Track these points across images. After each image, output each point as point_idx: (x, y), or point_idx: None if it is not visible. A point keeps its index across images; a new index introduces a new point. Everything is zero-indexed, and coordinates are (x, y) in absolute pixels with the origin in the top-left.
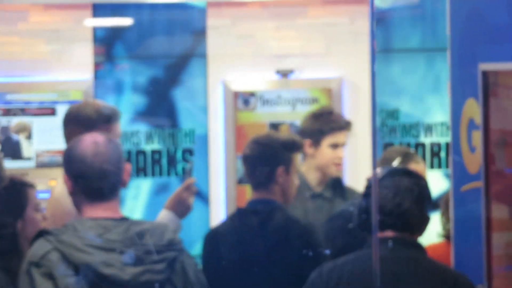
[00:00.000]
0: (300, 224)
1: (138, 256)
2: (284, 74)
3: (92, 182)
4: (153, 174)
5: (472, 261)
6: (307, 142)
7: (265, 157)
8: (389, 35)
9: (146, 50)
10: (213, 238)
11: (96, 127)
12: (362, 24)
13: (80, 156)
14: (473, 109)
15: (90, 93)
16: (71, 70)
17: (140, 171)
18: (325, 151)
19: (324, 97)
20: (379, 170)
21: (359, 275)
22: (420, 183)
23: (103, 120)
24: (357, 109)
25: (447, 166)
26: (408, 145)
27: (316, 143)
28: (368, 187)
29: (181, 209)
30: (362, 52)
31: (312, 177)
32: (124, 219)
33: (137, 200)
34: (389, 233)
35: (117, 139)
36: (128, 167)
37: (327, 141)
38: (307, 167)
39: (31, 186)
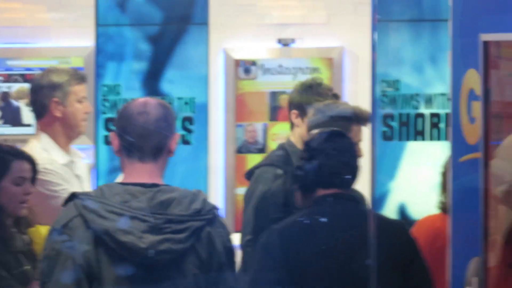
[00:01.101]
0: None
1: (158, 225)
2: (285, 43)
3: (135, 139)
4: None
5: (469, 232)
6: (294, 113)
7: None
8: (390, 5)
9: (147, 18)
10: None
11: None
12: None
13: (127, 113)
14: (473, 79)
15: (91, 60)
16: (73, 37)
17: None
18: None
19: (325, 66)
20: (315, 131)
21: (310, 232)
22: (351, 142)
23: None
24: (357, 79)
25: (446, 137)
26: (408, 116)
27: (303, 113)
28: (308, 150)
29: None
30: (363, 22)
31: (301, 147)
32: (155, 186)
33: None
34: (331, 191)
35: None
36: (177, 136)
37: (312, 112)
38: (296, 137)
39: (19, 156)
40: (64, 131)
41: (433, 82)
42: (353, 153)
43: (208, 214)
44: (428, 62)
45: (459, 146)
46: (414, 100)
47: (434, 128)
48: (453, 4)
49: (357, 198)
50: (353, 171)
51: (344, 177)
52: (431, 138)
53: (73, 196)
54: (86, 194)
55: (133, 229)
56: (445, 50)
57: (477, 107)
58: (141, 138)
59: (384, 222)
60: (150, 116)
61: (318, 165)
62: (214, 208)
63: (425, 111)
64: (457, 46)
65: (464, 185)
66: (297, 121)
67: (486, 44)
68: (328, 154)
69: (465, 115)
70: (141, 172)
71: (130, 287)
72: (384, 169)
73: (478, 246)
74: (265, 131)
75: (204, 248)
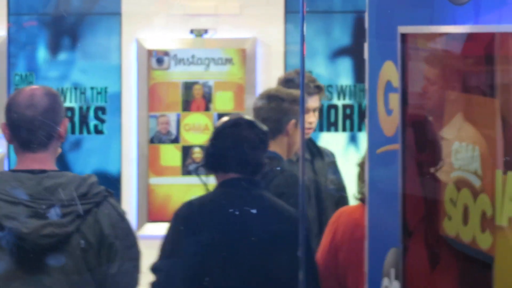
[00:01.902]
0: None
1: (42, 210)
2: (198, 33)
3: (23, 132)
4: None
5: (387, 223)
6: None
7: (278, 109)
8: None
9: (59, 7)
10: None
11: None
12: None
13: (15, 105)
14: (390, 71)
15: (4, 49)
16: None
17: None
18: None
19: (238, 57)
20: (225, 119)
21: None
22: (258, 132)
23: None
24: (270, 70)
25: (359, 129)
26: (321, 106)
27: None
28: (212, 133)
29: None
30: (275, 13)
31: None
32: (43, 172)
33: None
34: (232, 175)
35: None
36: (66, 121)
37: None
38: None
39: None
40: None
41: (345, 73)
42: (255, 141)
43: (94, 198)
44: (341, 53)
45: (376, 138)
46: (327, 91)
47: (347, 119)
48: None
49: (258, 184)
50: (255, 158)
51: (245, 163)
52: (344, 129)
53: None
54: None
55: (17, 214)
56: (357, 41)
57: (395, 99)
58: (30, 130)
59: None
60: (37, 108)
61: (218, 149)
62: (103, 191)
63: (338, 102)
64: (373, 38)
65: (381, 176)
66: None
67: (403, 36)
68: (228, 139)
69: (382, 107)
70: (33, 160)
71: (18, 272)
72: None
73: (395, 237)
74: (178, 121)
75: (91, 231)
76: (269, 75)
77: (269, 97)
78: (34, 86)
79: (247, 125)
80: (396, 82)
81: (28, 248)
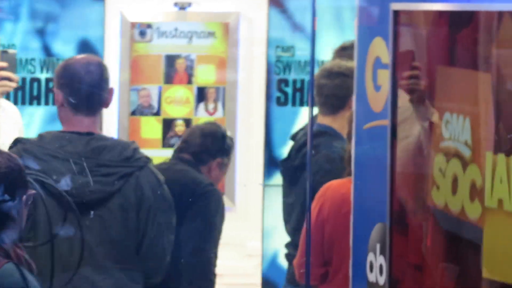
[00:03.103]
0: None
1: (89, 168)
2: (182, 6)
3: (79, 96)
4: (46, 103)
5: (373, 198)
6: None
7: (343, 86)
8: None
9: None
10: None
11: None
12: None
13: (72, 70)
14: (380, 48)
15: None
16: None
17: (34, 99)
18: None
19: (221, 31)
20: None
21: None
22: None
23: None
24: (252, 45)
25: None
26: (302, 81)
27: None
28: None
29: None
30: None
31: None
32: (90, 134)
33: (29, 128)
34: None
35: None
36: (112, 90)
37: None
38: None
39: None
40: None
41: (327, 48)
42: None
43: (137, 162)
44: (323, 28)
45: (364, 114)
46: (308, 66)
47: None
48: None
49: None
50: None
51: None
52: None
53: (16, 141)
54: (28, 139)
55: (66, 170)
56: (340, 17)
57: (383, 75)
58: (88, 96)
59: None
60: (94, 75)
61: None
62: (145, 157)
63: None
64: (363, 14)
65: (368, 151)
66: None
67: (396, 13)
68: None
69: (370, 83)
70: (81, 123)
71: (62, 225)
72: (278, 134)
73: (382, 212)
74: (160, 94)
75: (132, 192)
76: (251, 49)
77: (332, 74)
78: (86, 55)
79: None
80: (385, 58)
81: (74, 202)
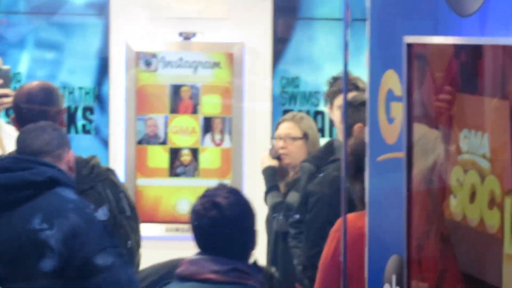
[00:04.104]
0: None
1: None
2: (187, 36)
3: (25, 121)
4: None
5: (388, 231)
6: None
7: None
8: (291, 2)
9: (48, 6)
10: None
11: None
12: None
13: (17, 98)
14: (392, 80)
15: None
16: None
17: None
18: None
19: (226, 61)
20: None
21: None
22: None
23: None
24: (257, 74)
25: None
26: (308, 113)
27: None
28: None
29: None
30: (263, 18)
31: None
32: None
33: None
34: None
35: None
36: (64, 110)
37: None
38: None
39: None
40: None
41: None
42: None
43: (98, 176)
44: (327, 60)
45: (377, 146)
46: (314, 97)
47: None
48: (371, 5)
49: None
50: None
51: None
52: (331, 135)
53: None
54: None
55: None
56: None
57: (396, 108)
58: (31, 119)
59: None
60: (35, 99)
61: None
62: (104, 170)
63: (324, 108)
64: (375, 47)
65: (382, 184)
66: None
67: (409, 46)
68: None
69: (383, 115)
70: None
71: None
72: None
73: (397, 244)
74: (166, 124)
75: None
76: (256, 79)
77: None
78: (33, 82)
79: None
80: (397, 90)
81: None
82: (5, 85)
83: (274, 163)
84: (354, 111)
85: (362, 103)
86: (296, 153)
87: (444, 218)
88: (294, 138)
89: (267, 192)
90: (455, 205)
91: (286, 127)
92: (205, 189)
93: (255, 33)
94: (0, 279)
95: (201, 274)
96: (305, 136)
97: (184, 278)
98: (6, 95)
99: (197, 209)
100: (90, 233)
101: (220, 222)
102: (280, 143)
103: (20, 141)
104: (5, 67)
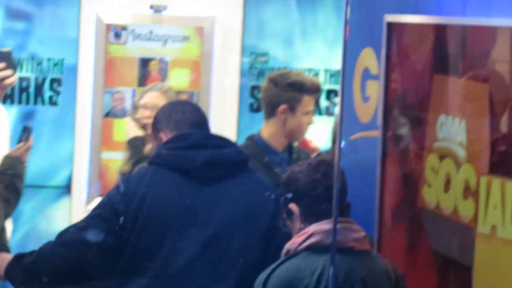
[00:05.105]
0: None
1: None
2: (158, 9)
3: None
4: (20, 102)
5: (360, 209)
6: (282, 107)
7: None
8: None
9: None
10: None
11: None
12: None
13: None
14: (369, 59)
15: None
16: None
17: (7, 98)
18: (300, 118)
19: (196, 35)
20: None
21: None
22: None
23: None
24: (227, 50)
25: (327, 113)
26: None
27: (292, 109)
28: None
29: None
30: None
31: (278, 142)
32: None
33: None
34: None
35: None
36: None
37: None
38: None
39: None
40: None
41: (302, 56)
42: None
43: None
44: (298, 36)
45: (351, 124)
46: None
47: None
48: None
49: None
50: None
51: None
52: None
53: None
54: None
55: None
56: (314, 25)
57: (372, 86)
58: None
59: None
60: None
61: None
62: None
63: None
64: (354, 24)
65: (354, 162)
66: (284, 116)
67: (390, 25)
68: None
69: (358, 94)
70: None
71: None
72: None
73: (369, 226)
74: (133, 97)
75: None
76: (225, 54)
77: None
78: None
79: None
80: (374, 69)
81: None
82: (9, 67)
83: (140, 133)
84: (280, 90)
85: (289, 84)
86: None
87: (418, 206)
88: None
89: (135, 164)
90: (429, 193)
91: (154, 97)
92: (305, 161)
93: (226, 8)
94: None
95: (343, 243)
96: None
97: (319, 249)
98: (7, 77)
99: (317, 177)
100: None
101: (345, 187)
102: (146, 113)
103: (176, 113)
104: (6, 49)
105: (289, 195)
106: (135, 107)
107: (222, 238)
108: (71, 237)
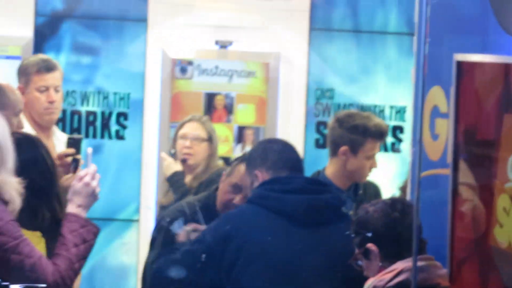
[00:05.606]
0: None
1: None
2: (223, 45)
3: None
4: (87, 135)
5: (430, 246)
6: (343, 148)
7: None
8: (329, 14)
9: (87, 11)
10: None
11: None
12: (298, 2)
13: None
14: (438, 97)
15: (29, 49)
16: (11, 26)
17: (74, 132)
18: (362, 161)
19: (261, 71)
20: None
21: None
22: None
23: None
24: (292, 85)
25: (392, 150)
26: None
27: (354, 152)
28: None
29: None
30: (299, 29)
31: (340, 181)
32: None
33: None
34: None
35: None
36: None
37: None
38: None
39: None
40: None
41: (367, 92)
42: None
43: None
44: (363, 73)
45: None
46: (347, 109)
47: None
48: (419, 20)
49: None
50: None
51: None
52: None
53: None
54: None
55: None
56: (379, 62)
57: (441, 125)
58: None
59: None
60: None
61: None
62: None
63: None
64: (421, 63)
65: (424, 199)
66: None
67: (459, 63)
68: None
69: (427, 132)
70: None
71: None
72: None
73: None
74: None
75: None
76: (291, 90)
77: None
78: None
79: None
80: (443, 107)
81: None
82: (78, 153)
83: (179, 167)
84: (344, 132)
85: (353, 126)
86: (201, 154)
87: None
88: (201, 139)
89: (179, 199)
90: (501, 233)
91: (193, 128)
92: (378, 200)
93: (291, 44)
94: None
95: (430, 279)
96: (209, 138)
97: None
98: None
99: (395, 216)
100: None
101: (420, 224)
102: (186, 143)
103: (273, 152)
104: (77, 136)
105: (369, 234)
106: (174, 139)
107: (321, 284)
108: (164, 269)
